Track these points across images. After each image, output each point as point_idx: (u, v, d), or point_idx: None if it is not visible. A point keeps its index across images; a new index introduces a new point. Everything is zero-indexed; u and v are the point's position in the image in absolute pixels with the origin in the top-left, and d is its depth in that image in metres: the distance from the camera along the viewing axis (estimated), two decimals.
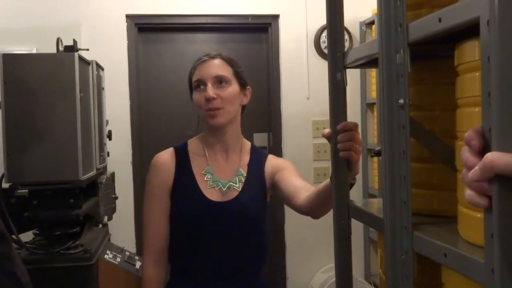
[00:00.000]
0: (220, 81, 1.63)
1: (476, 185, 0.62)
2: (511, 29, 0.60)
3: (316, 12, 3.60)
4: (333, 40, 1.23)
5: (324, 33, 3.67)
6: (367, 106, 3.81)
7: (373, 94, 3.69)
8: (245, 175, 1.69)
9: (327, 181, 1.47)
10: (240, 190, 1.67)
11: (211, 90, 1.61)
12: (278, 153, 3.69)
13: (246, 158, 1.73)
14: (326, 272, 3.69)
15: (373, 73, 3.66)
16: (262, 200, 1.72)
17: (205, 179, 1.66)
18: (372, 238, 3.74)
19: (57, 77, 2.17)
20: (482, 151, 0.62)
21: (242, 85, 1.70)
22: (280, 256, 3.80)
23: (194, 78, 1.67)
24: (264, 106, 3.86)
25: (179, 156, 1.70)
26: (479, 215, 0.77)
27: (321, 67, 3.59)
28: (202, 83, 1.64)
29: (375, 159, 3.69)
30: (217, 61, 1.67)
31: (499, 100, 0.60)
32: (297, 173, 1.73)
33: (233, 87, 1.66)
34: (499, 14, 0.60)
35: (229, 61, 1.69)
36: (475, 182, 0.62)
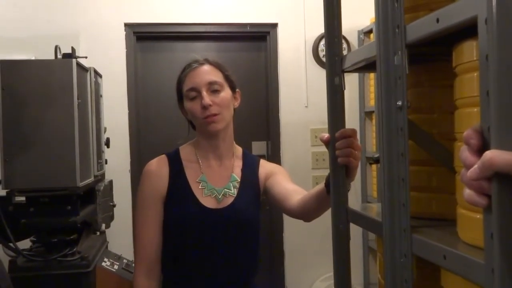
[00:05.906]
0: (214, 87, 1.61)
1: (475, 184, 0.61)
2: (509, 26, 0.60)
3: (315, 20, 3.61)
4: (331, 44, 1.23)
5: (323, 42, 3.68)
6: (366, 114, 3.81)
7: (371, 102, 3.69)
8: (239, 180, 1.68)
9: (320, 185, 1.47)
10: (235, 196, 1.65)
11: (207, 98, 1.59)
12: (277, 161, 3.68)
13: (239, 163, 1.72)
14: (325, 280, 3.67)
15: (371, 81, 3.66)
16: (256, 205, 1.71)
17: (200, 187, 1.64)
18: (371, 247, 3.72)
19: (55, 83, 2.17)
20: (481, 150, 0.61)
21: (233, 88, 1.69)
22: (279, 264, 3.78)
23: (186, 87, 1.63)
24: (263, 114, 3.86)
25: (172, 164, 1.67)
26: (478, 216, 0.77)
27: (320, 75, 3.60)
28: (196, 91, 1.61)
29: (374, 167, 3.68)
30: (206, 67, 1.65)
31: (498, 98, 0.60)
32: (289, 177, 1.73)
33: (226, 92, 1.64)
34: (497, 12, 0.60)
35: (218, 66, 1.67)
36: (474, 181, 0.61)
